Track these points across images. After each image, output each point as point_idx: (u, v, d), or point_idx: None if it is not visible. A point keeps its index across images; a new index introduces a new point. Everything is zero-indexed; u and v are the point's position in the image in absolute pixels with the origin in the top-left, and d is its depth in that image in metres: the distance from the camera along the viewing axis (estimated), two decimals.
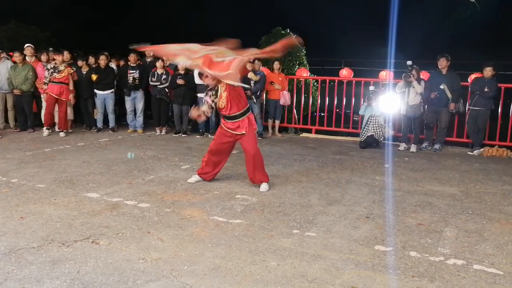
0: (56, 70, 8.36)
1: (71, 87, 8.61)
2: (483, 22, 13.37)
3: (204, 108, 5.08)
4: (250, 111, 5.16)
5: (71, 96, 8.61)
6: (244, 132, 5.00)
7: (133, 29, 24.59)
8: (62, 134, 8.52)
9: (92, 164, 6.13)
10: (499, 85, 8.01)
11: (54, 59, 8.62)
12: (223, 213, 4.20)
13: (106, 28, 24.97)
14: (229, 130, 5.06)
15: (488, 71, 7.79)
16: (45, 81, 8.42)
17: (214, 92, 4.98)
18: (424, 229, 3.94)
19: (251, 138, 5.05)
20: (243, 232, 3.73)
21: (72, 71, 8.61)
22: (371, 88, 8.71)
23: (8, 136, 8.33)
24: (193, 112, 5.16)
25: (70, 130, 9.04)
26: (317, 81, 11.06)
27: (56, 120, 8.71)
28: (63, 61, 8.55)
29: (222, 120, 5.19)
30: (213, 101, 4.99)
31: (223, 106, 4.95)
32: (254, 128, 5.14)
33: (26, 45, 9.27)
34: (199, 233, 3.69)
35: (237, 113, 4.97)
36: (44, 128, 8.52)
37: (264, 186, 5.05)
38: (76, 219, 3.93)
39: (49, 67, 8.44)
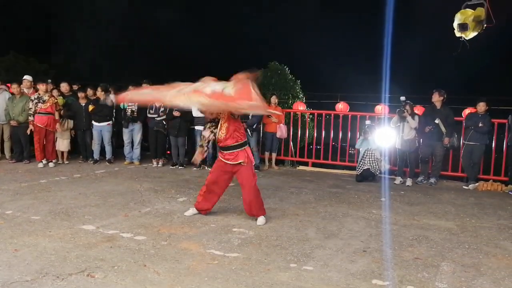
0: (41, 101, 8.38)
1: (56, 116, 8.60)
2: (475, 58, 13.72)
3: (202, 142, 5.13)
4: (248, 145, 5.18)
5: (58, 126, 8.59)
6: (242, 161, 5.00)
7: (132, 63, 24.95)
8: (51, 164, 8.51)
9: (88, 196, 6.11)
10: (492, 120, 8.14)
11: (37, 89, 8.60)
12: (220, 247, 4.18)
13: (103, 60, 25.30)
14: (227, 162, 5.05)
15: (481, 106, 7.93)
16: (30, 113, 8.42)
17: (214, 124, 5.03)
18: (421, 263, 3.93)
19: (249, 172, 5.07)
20: (240, 266, 3.70)
21: (56, 100, 8.63)
22: (367, 122, 8.81)
23: (3, 167, 8.30)
24: (197, 158, 5.22)
25: (67, 162, 9.04)
26: (313, 114, 11.18)
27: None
28: (46, 91, 8.55)
29: (219, 153, 5.21)
30: (212, 131, 5.02)
31: (222, 137, 4.99)
32: (252, 161, 5.15)
33: (24, 77, 9.33)
34: (195, 267, 3.66)
35: (235, 144, 4.99)
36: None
37: (261, 220, 5.03)
38: (71, 252, 3.89)
39: (33, 98, 8.45)
